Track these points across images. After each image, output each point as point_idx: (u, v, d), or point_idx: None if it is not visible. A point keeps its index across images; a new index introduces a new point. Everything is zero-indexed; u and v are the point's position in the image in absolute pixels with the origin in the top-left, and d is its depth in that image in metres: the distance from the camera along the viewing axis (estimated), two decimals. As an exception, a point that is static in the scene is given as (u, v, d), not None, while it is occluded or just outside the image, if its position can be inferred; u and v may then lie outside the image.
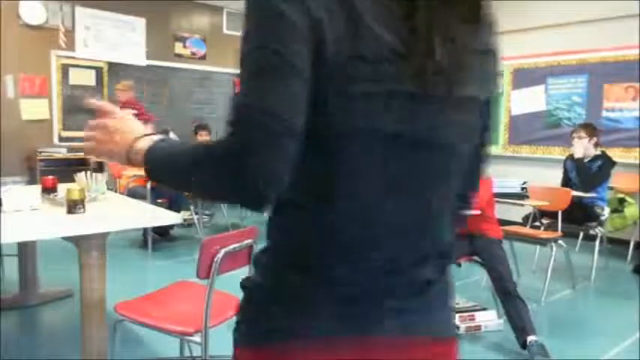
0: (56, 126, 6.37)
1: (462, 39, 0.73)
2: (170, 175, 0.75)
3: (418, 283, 0.77)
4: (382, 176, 0.71)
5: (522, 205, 3.86)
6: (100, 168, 5.50)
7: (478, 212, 2.87)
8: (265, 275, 0.77)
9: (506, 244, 3.26)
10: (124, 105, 5.52)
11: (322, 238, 0.72)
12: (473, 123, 0.79)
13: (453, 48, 0.71)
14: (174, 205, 4.76)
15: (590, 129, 4.40)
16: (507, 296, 2.87)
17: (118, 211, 2.52)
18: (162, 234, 5.23)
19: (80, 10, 6.41)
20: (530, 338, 2.78)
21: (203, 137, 5.96)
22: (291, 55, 0.63)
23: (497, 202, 3.43)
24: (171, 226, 5.13)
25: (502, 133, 6.45)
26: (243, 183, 0.64)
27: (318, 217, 0.72)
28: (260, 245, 2.19)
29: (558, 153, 5.78)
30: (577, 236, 5.01)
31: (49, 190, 2.66)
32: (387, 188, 0.71)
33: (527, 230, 4.20)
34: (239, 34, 0.72)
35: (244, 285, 0.79)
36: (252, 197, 0.66)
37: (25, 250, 3.38)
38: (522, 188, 3.84)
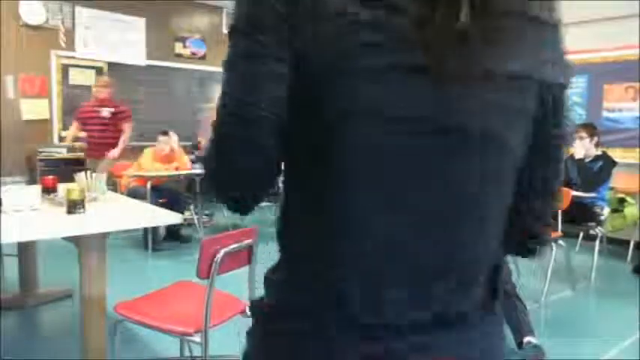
0: (56, 126, 6.37)
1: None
2: None
3: (449, 316, 0.65)
4: (391, 169, 0.60)
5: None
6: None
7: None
8: (272, 298, 0.71)
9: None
10: (101, 103, 5.33)
11: (322, 254, 0.65)
12: (518, 106, 0.63)
13: (484, 8, 0.57)
14: (174, 205, 4.76)
15: (591, 128, 4.40)
16: (505, 296, 2.86)
17: (118, 211, 2.52)
18: (172, 234, 5.23)
19: (80, 10, 6.41)
20: (527, 339, 2.77)
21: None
22: (268, 43, 0.60)
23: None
24: (173, 226, 5.13)
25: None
26: (214, 179, 0.64)
27: (316, 226, 0.65)
28: (260, 246, 2.19)
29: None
30: (577, 236, 5.01)
31: (49, 190, 2.66)
32: (395, 185, 0.61)
33: (527, 230, 4.19)
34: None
35: (253, 310, 0.74)
36: (223, 197, 0.65)
37: (25, 250, 3.38)
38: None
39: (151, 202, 4.34)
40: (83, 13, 6.44)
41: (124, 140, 5.38)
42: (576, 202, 4.09)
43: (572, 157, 4.49)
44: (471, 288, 0.66)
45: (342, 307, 0.64)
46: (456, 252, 0.65)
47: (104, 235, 2.27)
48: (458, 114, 0.59)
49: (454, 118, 0.59)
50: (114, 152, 5.32)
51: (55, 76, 6.32)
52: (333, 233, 0.64)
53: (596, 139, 4.36)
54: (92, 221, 2.23)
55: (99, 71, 6.59)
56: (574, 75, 0.69)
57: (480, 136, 0.61)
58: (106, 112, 5.31)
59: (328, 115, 0.60)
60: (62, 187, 2.57)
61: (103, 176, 2.83)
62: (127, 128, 5.42)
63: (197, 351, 2.31)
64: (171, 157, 5.37)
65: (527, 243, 0.74)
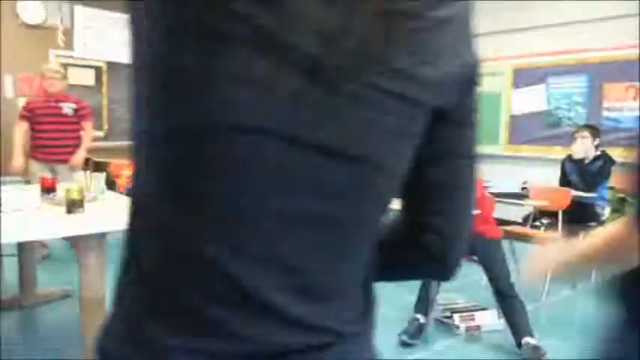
0: (55, 125, 6.36)
1: None
2: None
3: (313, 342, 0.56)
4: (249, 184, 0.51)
5: (522, 205, 3.86)
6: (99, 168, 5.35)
7: (477, 212, 2.87)
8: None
9: (506, 244, 3.25)
10: (57, 98, 4.40)
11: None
12: (403, 129, 0.54)
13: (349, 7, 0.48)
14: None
15: (594, 129, 4.41)
16: (504, 297, 2.86)
17: (117, 210, 2.52)
18: None
19: (79, 10, 6.40)
20: (525, 340, 2.77)
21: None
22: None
23: (498, 202, 3.42)
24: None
25: (502, 132, 6.45)
26: None
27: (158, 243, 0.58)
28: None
29: (559, 153, 5.78)
30: (577, 236, 5.00)
31: (48, 190, 2.65)
32: (243, 202, 0.52)
33: (527, 230, 4.20)
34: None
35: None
36: None
37: (25, 250, 3.38)
38: (522, 188, 3.84)
39: (151, 202, 4.32)
40: (82, 12, 6.43)
41: (88, 140, 4.56)
42: (576, 202, 4.09)
43: (569, 157, 4.49)
44: (328, 311, 0.58)
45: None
46: (310, 274, 0.56)
47: (103, 235, 2.27)
48: (333, 131, 0.51)
49: (334, 137, 0.51)
50: (77, 158, 4.45)
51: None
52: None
53: (598, 140, 4.36)
54: (91, 221, 2.23)
55: (98, 71, 6.59)
56: (479, 84, 0.58)
57: (356, 157, 0.53)
58: (68, 108, 4.41)
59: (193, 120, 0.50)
60: (61, 187, 2.57)
61: (102, 176, 2.82)
62: (89, 127, 4.58)
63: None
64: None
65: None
